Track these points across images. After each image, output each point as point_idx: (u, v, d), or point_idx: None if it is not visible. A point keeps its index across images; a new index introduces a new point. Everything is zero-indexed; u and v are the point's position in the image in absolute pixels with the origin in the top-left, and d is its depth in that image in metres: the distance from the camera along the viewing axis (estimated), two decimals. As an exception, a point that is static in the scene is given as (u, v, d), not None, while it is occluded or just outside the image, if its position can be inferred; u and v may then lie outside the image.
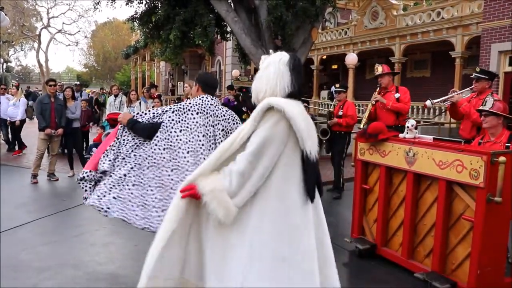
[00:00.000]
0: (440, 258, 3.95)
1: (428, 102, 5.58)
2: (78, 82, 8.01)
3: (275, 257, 2.32)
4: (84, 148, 10.07)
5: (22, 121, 11.33)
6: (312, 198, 2.42)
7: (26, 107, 11.59)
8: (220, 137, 3.46)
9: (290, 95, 2.41)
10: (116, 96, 10.20)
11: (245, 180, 2.30)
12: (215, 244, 2.41)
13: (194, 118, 3.48)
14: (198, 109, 3.51)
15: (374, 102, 6.20)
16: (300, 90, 2.47)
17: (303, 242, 2.38)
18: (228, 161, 2.39)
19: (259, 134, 2.31)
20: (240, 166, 2.30)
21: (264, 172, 2.30)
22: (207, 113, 3.52)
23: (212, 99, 3.60)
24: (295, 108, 2.33)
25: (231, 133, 3.38)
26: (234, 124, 3.63)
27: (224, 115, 3.59)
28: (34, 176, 8.16)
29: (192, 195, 2.34)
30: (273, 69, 2.44)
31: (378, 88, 6.38)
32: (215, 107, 3.57)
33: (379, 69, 6.29)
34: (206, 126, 3.46)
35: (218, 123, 3.54)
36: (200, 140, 3.43)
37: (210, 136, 3.46)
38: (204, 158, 3.32)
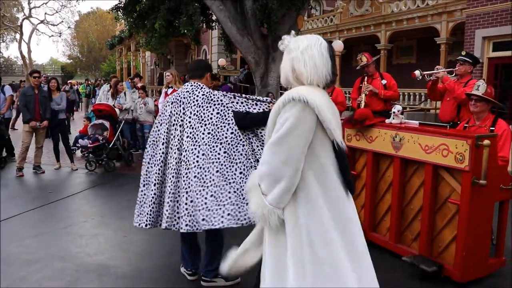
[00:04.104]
0: (427, 241, 4.01)
1: (417, 72, 5.63)
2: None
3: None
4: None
5: None
6: (352, 189, 2.30)
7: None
8: (189, 122, 3.41)
9: (329, 84, 2.29)
10: (111, 86, 10.11)
11: (273, 172, 2.14)
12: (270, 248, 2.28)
13: (167, 111, 3.57)
14: (172, 99, 3.57)
15: (367, 92, 6.23)
16: (336, 79, 2.34)
17: (355, 234, 2.27)
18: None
19: (281, 123, 2.15)
20: (265, 157, 2.18)
21: (294, 164, 2.13)
22: (179, 101, 3.51)
23: (191, 86, 3.55)
24: (319, 97, 2.16)
25: (204, 117, 3.37)
26: (207, 108, 3.47)
27: (197, 101, 3.51)
28: (20, 169, 8.08)
29: None
30: (318, 53, 2.22)
31: (366, 76, 6.41)
32: (189, 93, 3.51)
33: (364, 59, 6.31)
34: (176, 115, 3.49)
35: (188, 109, 3.46)
36: (159, 130, 3.57)
37: (176, 125, 3.47)
38: (166, 147, 3.48)
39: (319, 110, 2.11)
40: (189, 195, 3.28)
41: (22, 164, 8.14)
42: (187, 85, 3.58)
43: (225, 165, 3.29)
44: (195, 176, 3.27)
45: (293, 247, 2.16)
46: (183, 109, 3.46)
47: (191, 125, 3.37)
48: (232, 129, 3.36)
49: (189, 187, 3.30)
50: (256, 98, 3.79)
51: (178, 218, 3.37)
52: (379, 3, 17.12)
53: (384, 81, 6.27)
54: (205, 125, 3.35)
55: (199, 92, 3.48)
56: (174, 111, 3.49)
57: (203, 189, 3.24)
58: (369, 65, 6.31)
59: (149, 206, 3.50)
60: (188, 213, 3.28)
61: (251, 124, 3.55)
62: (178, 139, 3.41)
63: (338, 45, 17.40)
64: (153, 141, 3.61)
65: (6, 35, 47.56)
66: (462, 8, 13.15)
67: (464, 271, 3.68)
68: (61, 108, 8.57)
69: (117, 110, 8.98)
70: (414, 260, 3.97)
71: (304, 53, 2.22)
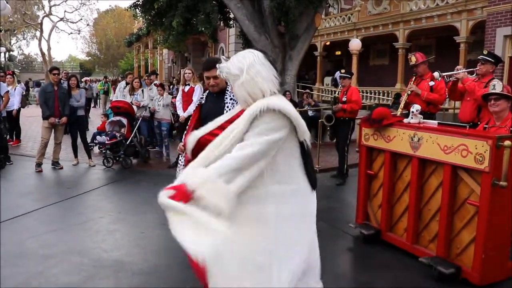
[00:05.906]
0: (445, 242, 3.95)
1: (436, 74, 5.54)
2: None
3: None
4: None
5: (18, 110, 11.20)
6: (315, 185, 2.50)
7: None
8: None
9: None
10: (127, 83, 10.19)
11: (244, 169, 2.25)
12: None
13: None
14: None
15: (410, 92, 6.14)
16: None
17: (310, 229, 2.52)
18: (216, 159, 2.32)
19: (258, 132, 2.27)
20: (241, 157, 2.25)
21: (264, 166, 2.30)
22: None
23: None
24: (288, 105, 2.34)
25: None
26: None
27: None
28: (39, 164, 8.19)
29: (182, 195, 2.18)
30: (260, 67, 2.38)
31: (414, 76, 6.30)
32: None
33: (413, 59, 6.20)
34: None
35: None
36: None
37: None
38: None
39: (295, 118, 2.31)
40: None
41: (41, 160, 8.24)
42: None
43: None
44: None
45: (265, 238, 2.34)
46: None
47: None
48: None
49: None
50: None
51: None
52: (397, 2, 16.92)
53: (432, 83, 6.13)
54: None
55: None
56: None
57: None
58: (418, 65, 6.20)
59: None
60: None
61: None
62: None
63: (356, 43, 17.31)
64: None
65: (27, 32, 48.29)
66: (483, 6, 12.92)
67: (483, 274, 3.63)
68: (80, 105, 8.66)
69: (134, 107, 9.05)
70: (431, 261, 3.93)
71: (250, 73, 2.35)
